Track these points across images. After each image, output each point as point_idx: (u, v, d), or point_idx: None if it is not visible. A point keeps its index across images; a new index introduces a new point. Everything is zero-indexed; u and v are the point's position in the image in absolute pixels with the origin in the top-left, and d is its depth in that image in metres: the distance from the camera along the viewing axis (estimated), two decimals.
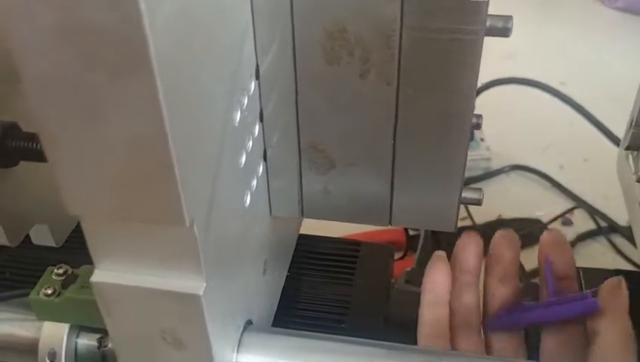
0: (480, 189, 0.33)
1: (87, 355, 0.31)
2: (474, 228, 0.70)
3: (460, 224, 0.80)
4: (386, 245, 0.44)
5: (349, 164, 0.31)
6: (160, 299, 0.25)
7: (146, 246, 0.24)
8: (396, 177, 0.32)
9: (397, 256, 0.54)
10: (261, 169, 0.31)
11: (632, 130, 0.33)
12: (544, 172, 0.75)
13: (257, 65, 0.29)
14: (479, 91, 0.72)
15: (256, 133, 0.30)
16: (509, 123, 0.79)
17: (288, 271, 0.41)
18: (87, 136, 0.20)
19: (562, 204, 0.72)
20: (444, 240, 0.70)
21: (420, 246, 0.54)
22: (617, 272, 0.42)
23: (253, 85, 0.28)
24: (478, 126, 0.36)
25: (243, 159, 0.28)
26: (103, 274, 0.25)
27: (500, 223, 0.71)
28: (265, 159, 0.32)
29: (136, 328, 0.27)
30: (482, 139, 0.75)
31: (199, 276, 0.25)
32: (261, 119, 0.30)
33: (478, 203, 0.32)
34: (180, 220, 0.22)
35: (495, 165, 0.76)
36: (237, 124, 0.27)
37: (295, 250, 0.42)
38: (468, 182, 0.77)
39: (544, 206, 0.72)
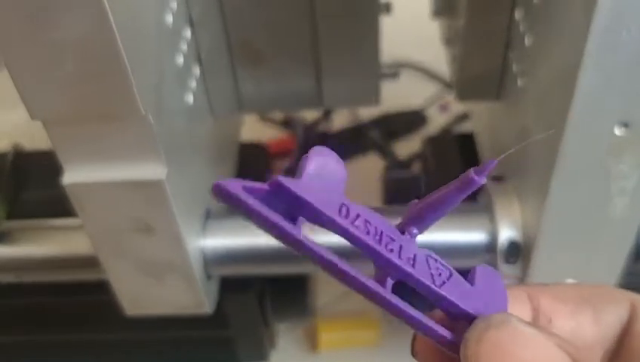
0: (396, 68, 0.37)
1: None
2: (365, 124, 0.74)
3: (347, 125, 0.81)
4: (258, 143, 0.47)
5: (277, 54, 0.35)
6: (128, 190, 0.28)
7: (109, 143, 0.27)
8: (322, 62, 0.35)
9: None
10: (198, 71, 0.34)
11: None
12: (424, 66, 0.79)
13: None
14: None
15: (189, 36, 0.33)
16: (390, 23, 0.82)
17: None
18: (39, 40, 0.23)
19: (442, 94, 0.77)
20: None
21: (297, 146, 0.58)
22: None
23: None
24: (388, 8, 0.40)
25: (181, 60, 0.31)
26: (72, 176, 0.28)
27: (385, 117, 0.76)
28: (200, 63, 0.35)
29: (109, 220, 0.30)
30: None
31: (160, 163, 0.28)
32: (191, 24, 0.33)
33: (396, 75, 0.36)
34: (136, 110, 0.25)
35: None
36: (170, 27, 0.29)
37: None
38: None
39: (426, 98, 0.78)
